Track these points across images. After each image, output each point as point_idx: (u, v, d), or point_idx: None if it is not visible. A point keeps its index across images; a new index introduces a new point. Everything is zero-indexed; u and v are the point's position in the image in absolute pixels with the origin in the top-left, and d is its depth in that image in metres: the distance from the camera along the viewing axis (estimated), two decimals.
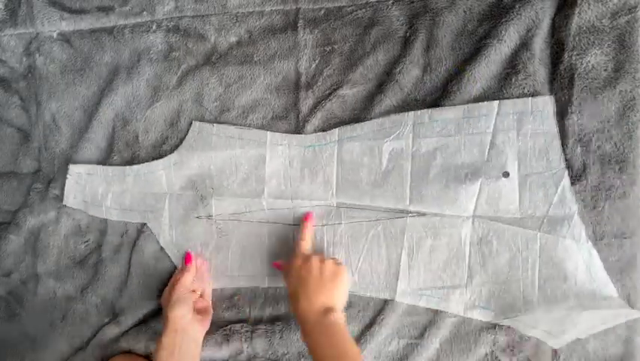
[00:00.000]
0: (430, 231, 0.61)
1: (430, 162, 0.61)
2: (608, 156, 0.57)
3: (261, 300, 0.67)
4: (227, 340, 0.65)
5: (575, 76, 0.57)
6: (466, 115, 0.60)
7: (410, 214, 0.62)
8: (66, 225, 0.71)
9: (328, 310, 0.54)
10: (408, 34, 0.63)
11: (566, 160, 0.58)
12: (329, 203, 0.64)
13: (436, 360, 0.62)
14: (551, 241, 0.57)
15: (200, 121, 0.68)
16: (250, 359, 0.65)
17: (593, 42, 0.57)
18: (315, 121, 0.65)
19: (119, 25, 0.71)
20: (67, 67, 0.72)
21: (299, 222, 0.65)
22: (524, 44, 0.59)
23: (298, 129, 0.66)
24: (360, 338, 0.62)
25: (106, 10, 0.71)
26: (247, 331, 0.65)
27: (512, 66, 0.59)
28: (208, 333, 0.63)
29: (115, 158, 0.70)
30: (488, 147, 0.59)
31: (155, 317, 0.68)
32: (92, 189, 0.70)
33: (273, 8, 0.67)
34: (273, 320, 0.66)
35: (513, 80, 0.59)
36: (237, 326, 0.66)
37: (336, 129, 0.64)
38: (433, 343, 0.61)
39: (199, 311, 0.63)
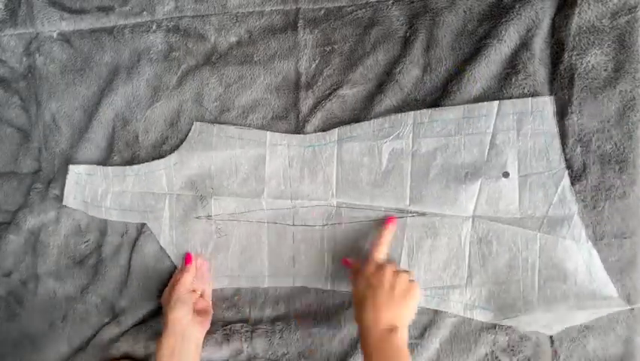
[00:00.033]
0: (430, 231, 0.61)
1: (430, 162, 0.61)
2: (608, 156, 0.57)
3: (261, 300, 0.67)
4: (227, 340, 0.65)
5: (575, 76, 0.57)
6: (466, 115, 0.60)
7: (410, 214, 0.62)
8: (66, 225, 0.71)
9: (394, 330, 0.52)
10: (408, 34, 0.63)
11: (566, 160, 0.58)
12: (329, 203, 0.64)
13: (436, 360, 0.62)
14: (551, 241, 0.57)
15: (200, 121, 0.68)
16: (250, 359, 0.65)
17: (593, 42, 0.57)
18: (315, 121, 0.65)
19: (119, 25, 0.71)
20: (67, 67, 0.72)
21: (299, 222, 0.65)
22: (524, 44, 0.59)
23: (298, 129, 0.66)
24: None
25: (106, 10, 0.71)
26: (247, 331, 0.65)
27: (512, 66, 0.59)
28: (208, 333, 0.63)
29: (115, 158, 0.71)
30: (488, 147, 0.59)
31: (155, 317, 0.68)
32: (91, 190, 0.70)
33: (273, 8, 0.67)
34: (273, 320, 0.66)
35: (513, 80, 0.59)
36: (237, 326, 0.66)
37: (336, 129, 0.64)
38: (433, 343, 0.61)
39: (199, 312, 0.63)
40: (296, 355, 0.64)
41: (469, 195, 0.59)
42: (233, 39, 0.69)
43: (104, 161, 0.71)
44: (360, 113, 0.64)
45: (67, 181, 0.70)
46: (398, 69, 0.63)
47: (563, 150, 0.58)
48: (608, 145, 0.57)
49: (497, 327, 0.60)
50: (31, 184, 0.72)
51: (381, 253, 0.58)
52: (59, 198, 0.71)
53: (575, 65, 0.58)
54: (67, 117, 0.72)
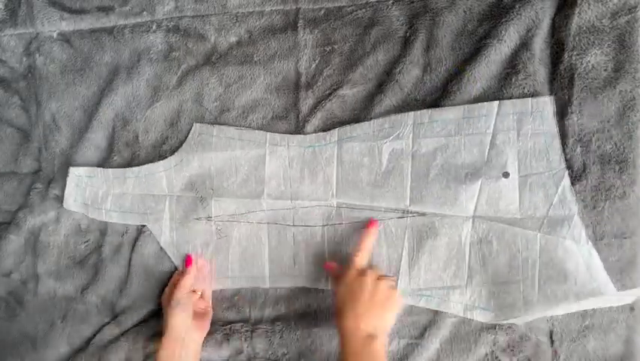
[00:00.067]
0: (430, 231, 0.61)
1: (430, 162, 0.61)
2: (608, 156, 0.57)
3: (261, 300, 0.67)
4: (228, 340, 0.65)
5: (575, 76, 0.57)
6: (466, 115, 0.60)
7: (410, 214, 0.62)
8: (66, 225, 0.71)
9: (373, 337, 0.52)
10: (408, 34, 0.63)
11: (566, 160, 0.58)
12: (329, 203, 0.64)
13: (436, 360, 0.62)
14: (551, 241, 0.57)
15: (200, 121, 0.68)
16: (250, 359, 0.65)
17: (593, 42, 0.57)
18: (315, 121, 0.65)
19: (119, 25, 0.71)
20: (67, 67, 0.72)
21: (299, 222, 0.65)
22: (524, 44, 0.59)
23: (298, 129, 0.66)
24: None
25: (106, 10, 0.71)
26: (247, 331, 0.65)
27: (512, 66, 0.59)
28: (208, 333, 0.64)
29: (115, 158, 0.70)
30: (488, 148, 0.59)
31: (155, 317, 0.68)
32: (92, 192, 0.70)
33: (273, 8, 0.67)
34: (273, 320, 0.66)
35: (513, 80, 0.59)
36: (237, 326, 0.66)
37: (336, 129, 0.64)
38: (434, 343, 0.61)
39: (199, 313, 0.63)
40: (296, 355, 0.64)
41: (469, 196, 0.59)
42: (233, 39, 0.69)
43: (104, 161, 0.71)
44: (360, 114, 0.64)
45: (67, 183, 0.70)
46: (398, 69, 0.63)
47: (563, 150, 0.58)
48: (608, 145, 0.57)
49: (497, 327, 0.60)
50: (31, 184, 0.73)
51: (362, 259, 0.58)
52: (59, 198, 0.71)
53: (575, 65, 0.57)
54: (67, 117, 0.72)
